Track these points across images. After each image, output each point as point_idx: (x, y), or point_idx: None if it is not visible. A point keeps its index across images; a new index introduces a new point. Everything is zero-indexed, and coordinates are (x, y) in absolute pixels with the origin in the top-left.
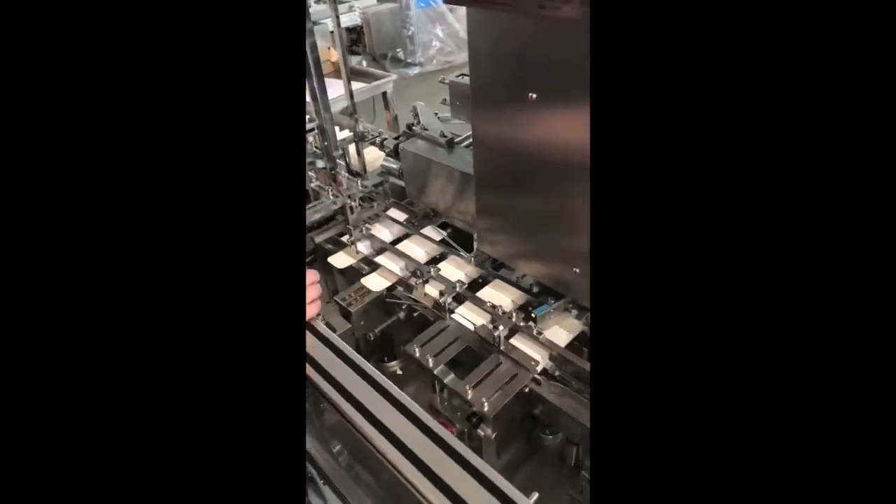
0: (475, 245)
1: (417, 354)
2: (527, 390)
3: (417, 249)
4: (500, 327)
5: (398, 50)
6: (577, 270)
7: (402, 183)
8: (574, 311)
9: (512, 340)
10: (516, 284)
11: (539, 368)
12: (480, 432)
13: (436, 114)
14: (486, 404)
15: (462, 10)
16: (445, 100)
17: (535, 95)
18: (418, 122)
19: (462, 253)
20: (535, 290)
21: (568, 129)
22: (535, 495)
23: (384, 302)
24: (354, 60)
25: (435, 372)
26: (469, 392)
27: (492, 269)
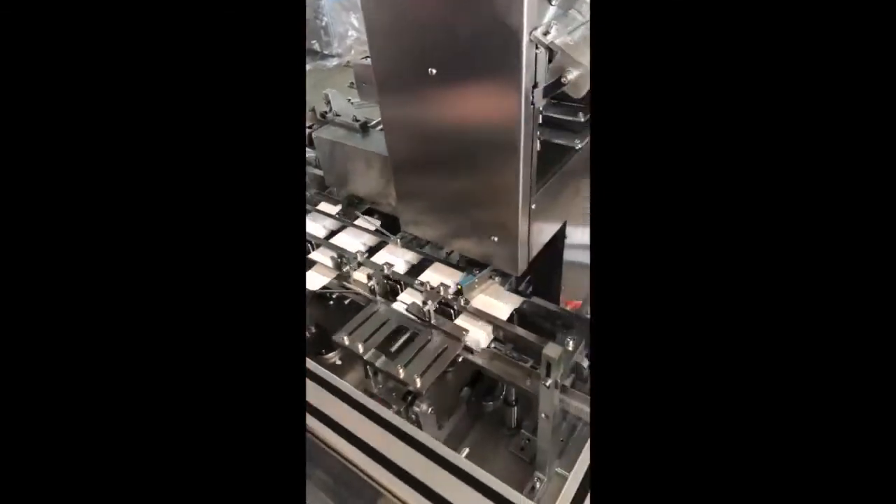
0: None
1: (347, 342)
2: (460, 360)
3: (353, 241)
4: (429, 302)
5: (313, 42)
6: (496, 239)
7: (320, 172)
8: (497, 279)
9: (457, 321)
10: (453, 265)
11: (483, 343)
12: (416, 409)
13: (349, 99)
14: (418, 381)
15: None
16: (352, 83)
17: (434, 71)
18: (331, 110)
19: (391, 237)
20: (460, 264)
21: (469, 104)
22: (466, 450)
23: (318, 295)
24: None
25: (365, 357)
26: (401, 371)
27: (425, 252)
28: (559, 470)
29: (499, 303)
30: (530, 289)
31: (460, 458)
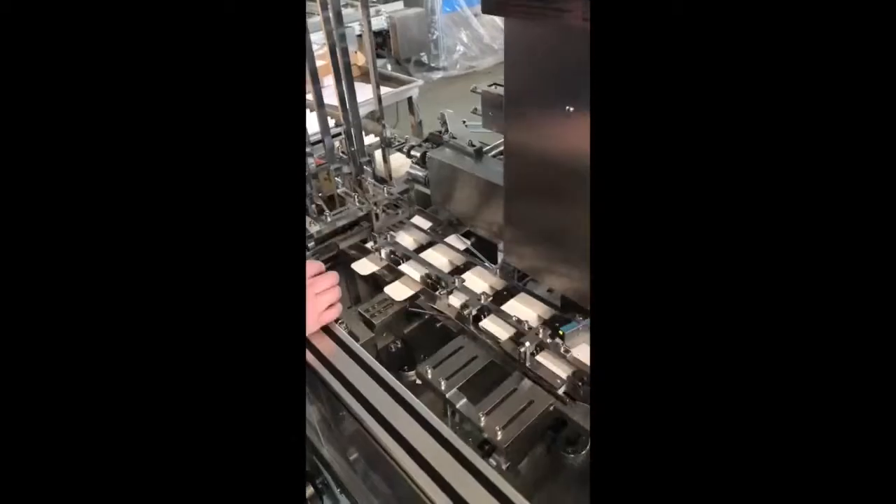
0: (500, 256)
1: (430, 376)
2: (551, 409)
3: (441, 258)
4: (527, 343)
5: (422, 54)
6: None
7: (427, 191)
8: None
9: (538, 358)
10: (542, 298)
11: (563, 388)
12: (492, 461)
13: (463, 122)
14: (499, 433)
15: (488, 16)
16: (476, 109)
17: (572, 109)
18: (446, 130)
19: (486, 263)
20: (559, 304)
21: None
22: None
23: (407, 311)
24: (379, 64)
25: (447, 395)
26: (482, 419)
27: (517, 283)
28: None
29: (588, 346)
30: None
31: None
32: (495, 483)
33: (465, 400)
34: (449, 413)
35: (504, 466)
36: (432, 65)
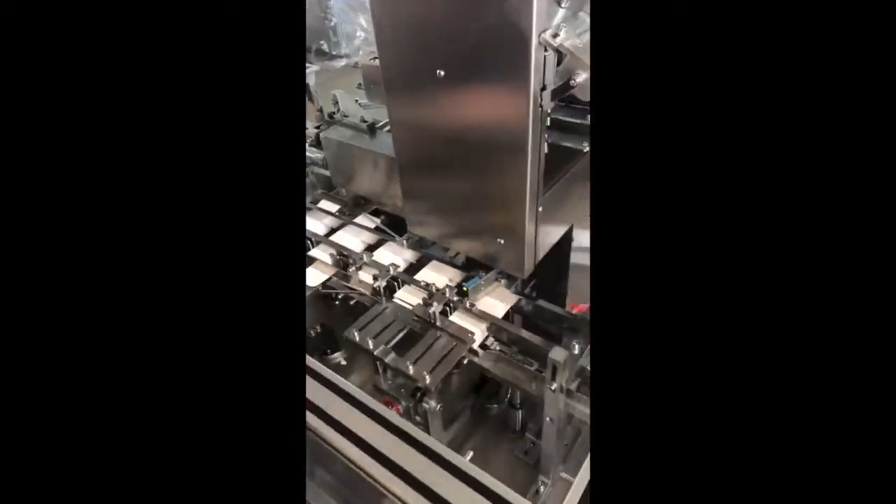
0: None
1: (357, 339)
2: (465, 361)
3: (352, 239)
4: (435, 304)
5: (322, 42)
6: (502, 241)
7: (327, 172)
8: (503, 281)
9: (452, 317)
10: (451, 263)
11: (477, 341)
12: (425, 405)
13: (356, 100)
14: (427, 377)
15: None
16: (360, 84)
17: (443, 73)
18: (339, 110)
19: (395, 237)
20: (462, 263)
21: (477, 106)
22: (470, 453)
23: (322, 295)
24: None
25: (376, 353)
26: (410, 368)
27: (427, 252)
28: (564, 474)
29: (497, 302)
30: (534, 292)
31: (464, 461)
32: (429, 445)
33: (393, 354)
34: (381, 370)
35: (436, 408)
36: (333, 53)
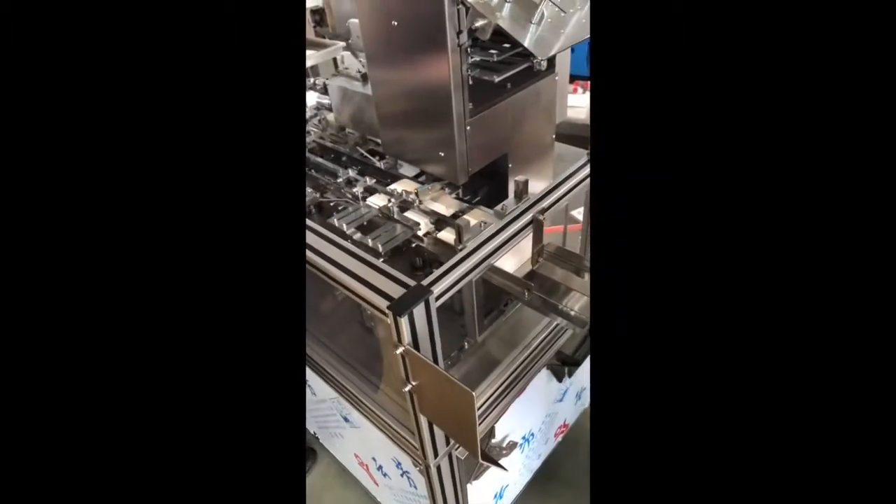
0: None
1: (336, 223)
2: (413, 245)
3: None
4: (392, 200)
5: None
6: (442, 154)
7: (331, 116)
8: (447, 189)
9: (406, 213)
10: (416, 180)
11: (423, 230)
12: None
13: (354, 55)
14: (380, 246)
15: None
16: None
17: (396, 23)
18: (343, 62)
19: (376, 162)
20: (423, 179)
21: (417, 46)
22: None
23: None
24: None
25: (347, 232)
26: (370, 241)
27: (397, 171)
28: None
29: (441, 205)
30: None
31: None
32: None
33: (359, 233)
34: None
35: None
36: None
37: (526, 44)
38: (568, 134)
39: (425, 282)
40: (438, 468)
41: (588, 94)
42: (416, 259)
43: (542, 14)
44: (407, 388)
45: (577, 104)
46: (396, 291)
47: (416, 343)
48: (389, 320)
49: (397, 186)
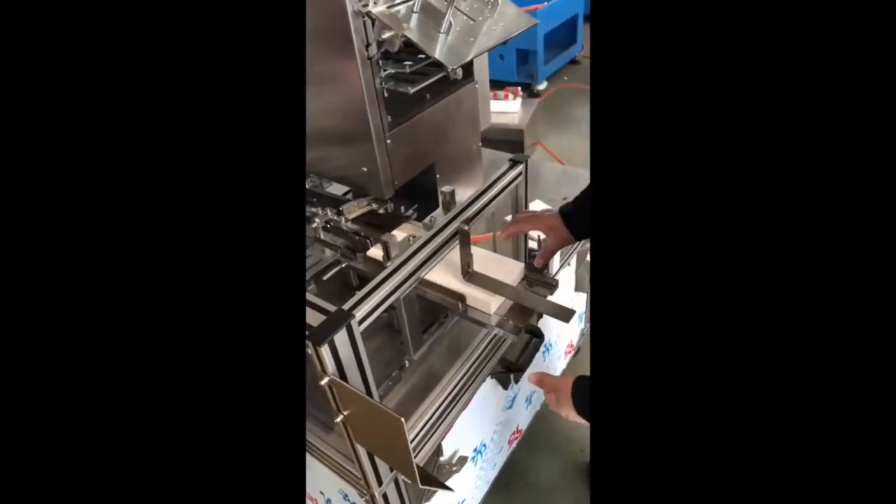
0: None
1: None
2: (344, 265)
3: None
4: (317, 220)
5: None
6: (365, 169)
7: None
8: (374, 205)
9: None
10: (343, 197)
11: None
12: None
13: None
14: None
15: None
16: None
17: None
18: None
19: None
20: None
21: (331, 63)
22: None
23: None
24: None
25: None
26: None
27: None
28: None
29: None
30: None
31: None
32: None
33: None
34: None
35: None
36: None
37: (436, 54)
38: (496, 139)
39: (346, 305)
40: (385, 496)
41: (520, 100)
42: (351, 279)
43: (450, 24)
44: (339, 419)
45: (509, 109)
46: (316, 319)
47: (341, 372)
48: (310, 350)
49: (318, 209)
